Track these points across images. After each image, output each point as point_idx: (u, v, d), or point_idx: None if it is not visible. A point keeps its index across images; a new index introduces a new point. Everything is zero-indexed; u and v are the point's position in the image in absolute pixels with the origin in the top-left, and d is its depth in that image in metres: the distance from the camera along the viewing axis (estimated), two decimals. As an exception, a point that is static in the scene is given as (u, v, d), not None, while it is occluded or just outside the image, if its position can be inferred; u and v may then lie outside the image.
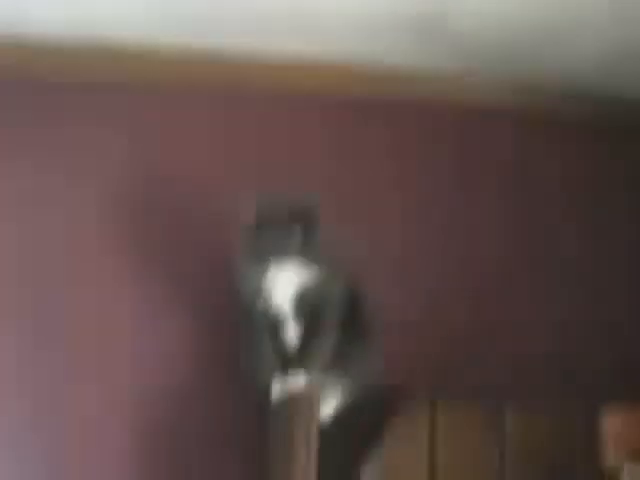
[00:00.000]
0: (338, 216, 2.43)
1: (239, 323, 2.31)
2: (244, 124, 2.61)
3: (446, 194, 2.67)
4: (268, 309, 2.23)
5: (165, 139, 2.57)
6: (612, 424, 2.29)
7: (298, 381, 2.20)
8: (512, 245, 2.68)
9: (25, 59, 2.50)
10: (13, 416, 2.38)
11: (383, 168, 2.65)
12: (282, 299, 2.22)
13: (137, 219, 2.50)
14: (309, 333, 2.23)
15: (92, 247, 2.47)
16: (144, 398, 2.42)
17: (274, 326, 2.24)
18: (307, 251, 2.21)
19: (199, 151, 2.57)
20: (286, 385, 2.20)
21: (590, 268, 2.71)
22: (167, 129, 2.57)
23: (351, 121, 2.65)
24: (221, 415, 2.43)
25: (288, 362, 2.23)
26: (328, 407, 2.25)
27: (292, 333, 2.24)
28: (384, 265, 2.56)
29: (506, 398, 2.43)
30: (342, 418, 2.25)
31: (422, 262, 2.62)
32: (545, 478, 2.33)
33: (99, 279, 2.47)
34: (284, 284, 2.22)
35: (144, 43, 2.51)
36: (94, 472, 2.39)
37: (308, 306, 2.22)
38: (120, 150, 2.53)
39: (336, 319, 2.25)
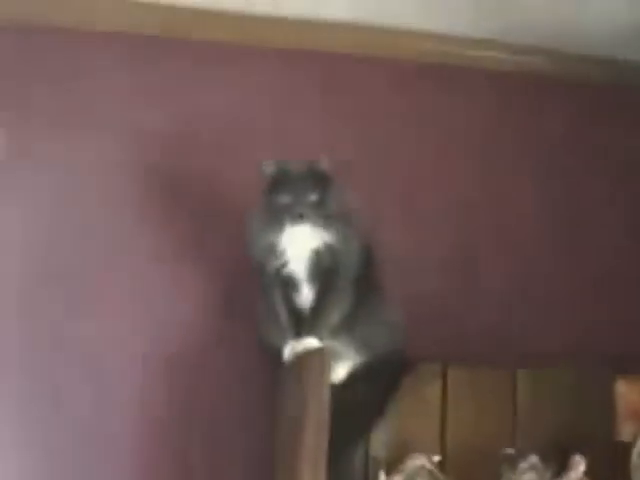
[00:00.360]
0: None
1: (254, 285, 2.29)
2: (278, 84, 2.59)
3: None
4: (281, 270, 2.21)
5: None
6: (627, 394, 2.29)
7: (310, 343, 2.18)
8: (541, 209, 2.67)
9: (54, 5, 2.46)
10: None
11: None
12: (296, 260, 2.20)
13: (162, 185, 2.48)
14: (323, 295, 2.20)
15: (115, 211, 2.46)
16: (161, 355, 2.41)
17: (287, 287, 2.22)
18: (322, 212, 2.18)
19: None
20: (298, 347, 2.18)
21: (607, 232, 2.69)
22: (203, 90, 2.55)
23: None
24: (234, 376, 2.42)
25: (301, 324, 2.21)
26: (341, 369, 2.24)
27: (305, 295, 2.22)
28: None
29: (520, 366, 2.43)
30: (355, 379, 2.24)
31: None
32: (555, 445, 2.33)
33: (116, 244, 2.45)
34: (298, 244, 2.20)
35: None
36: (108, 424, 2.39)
37: (322, 268, 2.20)
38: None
39: (351, 282, 2.22)
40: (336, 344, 2.21)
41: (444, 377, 2.37)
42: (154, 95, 2.51)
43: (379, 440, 2.29)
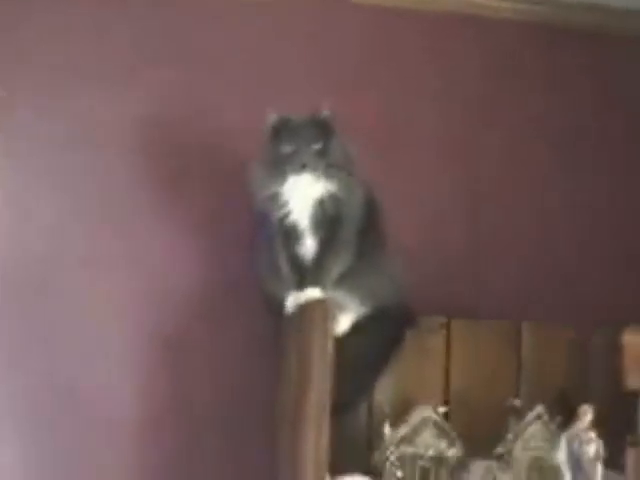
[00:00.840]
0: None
1: (256, 237, 2.28)
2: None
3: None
4: (284, 220, 2.19)
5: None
6: (634, 344, 2.26)
7: (313, 294, 2.16)
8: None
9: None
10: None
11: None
12: (299, 209, 2.18)
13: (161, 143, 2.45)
14: (325, 246, 2.18)
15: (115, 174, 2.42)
16: (165, 313, 2.39)
17: (290, 238, 2.19)
18: (325, 161, 2.16)
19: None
20: (301, 297, 2.17)
21: (608, 188, 2.67)
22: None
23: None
24: (236, 328, 2.40)
25: (303, 275, 2.19)
26: (344, 320, 2.22)
27: (308, 245, 2.20)
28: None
29: (523, 318, 2.43)
30: (358, 331, 2.23)
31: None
32: (561, 396, 2.34)
33: (115, 218, 2.41)
34: (301, 194, 2.17)
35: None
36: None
37: (326, 217, 2.18)
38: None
39: (354, 233, 2.21)
40: (339, 295, 2.20)
41: (447, 329, 2.36)
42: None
43: (383, 392, 2.29)
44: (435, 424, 2.24)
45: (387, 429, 2.23)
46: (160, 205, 2.42)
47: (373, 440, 2.27)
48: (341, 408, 2.15)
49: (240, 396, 2.38)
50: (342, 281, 2.20)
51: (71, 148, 2.39)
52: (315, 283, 2.17)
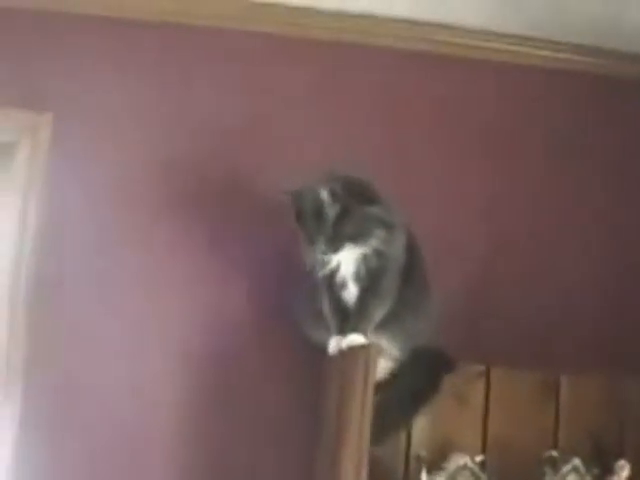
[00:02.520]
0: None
1: (295, 276, 2.32)
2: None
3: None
4: (330, 276, 2.22)
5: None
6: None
7: (356, 340, 2.19)
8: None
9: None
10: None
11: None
12: (343, 268, 2.22)
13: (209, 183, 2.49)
14: (368, 293, 2.21)
15: (143, 212, 2.46)
16: (202, 354, 2.42)
17: (334, 286, 2.23)
18: (348, 231, 2.17)
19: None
20: (343, 343, 2.20)
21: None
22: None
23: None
24: (276, 375, 2.42)
25: (346, 320, 2.22)
26: (384, 365, 2.24)
27: (351, 292, 2.23)
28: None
29: (562, 367, 2.44)
30: (396, 374, 2.26)
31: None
32: (598, 449, 2.34)
33: (152, 245, 2.46)
34: (342, 259, 2.21)
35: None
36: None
37: (369, 271, 2.21)
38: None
39: (396, 279, 2.23)
40: (379, 340, 2.23)
41: (487, 378, 2.37)
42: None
43: (421, 438, 2.31)
44: (472, 473, 2.25)
45: (424, 475, 2.24)
46: (216, 240, 2.46)
47: (410, 486, 2.29)
48: (371, 442, 2.16)
49: (279, 414, 2.41)
50: (383, 326, 2.23)
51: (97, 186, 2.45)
52: (357, 329, 2.20)
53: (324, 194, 2.17)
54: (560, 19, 2.54)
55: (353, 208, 2.18)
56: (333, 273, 2.22)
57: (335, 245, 2.17)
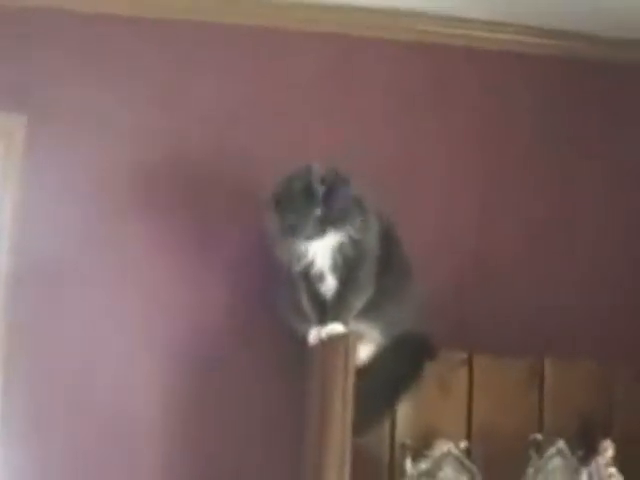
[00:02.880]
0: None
1: (276, 274, 2.31)
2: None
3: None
4: (306, 269, 2.22)
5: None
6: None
7: (335, 329, 2.20)
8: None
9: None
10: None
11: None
12: (319, 259, 2.21)
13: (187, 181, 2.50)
14: (346, 283, 2.22)
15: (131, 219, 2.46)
16: (184, 344, 2.43)
17: (311, 279, 2.23)
18: (332, 216, 2.18)
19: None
20: (323, 333, 2.20)
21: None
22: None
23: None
24: (259, 376, 2.42)
25: (324, 310, 2.22)
26: (364, 351, 2.25)
27: (329, 285, 2.23)
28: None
29: (546, 353, 2.44)
30: (378, 361, 2.26)
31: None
32: (583, 431, 2.35)
33: (132, 245, 2.46)
34: (318, 250, 2.21)
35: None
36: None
37: (345, 261, 2.21)
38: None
39: (373, 267, 2.23)
40: (360, 327, 2.23)
41: (469, 365, 2.38)
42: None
43: (405, 426, 2.31)
44: (456, 459, 2.26)
45: (409, 463, 2.25)
46: (199, 240, 2.47)
47: (395, 473, 2.30)
48: (357, 431, 2.17)
49: (266, 414, 2.42)
50: (363, 313, 2.24)
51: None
52: (337, 318, 2.21)
53: (315, 171, 2.17)
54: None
55: (337, 188, 2.18)
56: (309, 267, 2.22)
57: (322, 227, 2.16)
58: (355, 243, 2.20)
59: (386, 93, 2.60)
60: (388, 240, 2.26)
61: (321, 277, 2.23)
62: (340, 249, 2.20)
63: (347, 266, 2.21)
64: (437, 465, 2.25)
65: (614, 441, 2.26)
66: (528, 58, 2.64)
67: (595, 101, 2.67)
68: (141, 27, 2.50)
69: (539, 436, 2.28)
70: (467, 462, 2.27)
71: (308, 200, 2.17)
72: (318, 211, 2.17)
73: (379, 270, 2.23)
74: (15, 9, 2.44)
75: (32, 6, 2.44)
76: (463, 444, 2.28)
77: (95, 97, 2.47)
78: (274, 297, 2.33)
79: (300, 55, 2.57)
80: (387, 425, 2.32)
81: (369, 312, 2.23)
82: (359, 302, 2.22)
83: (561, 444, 2.27)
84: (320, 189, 2.17)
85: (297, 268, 2.22)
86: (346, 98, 2.58)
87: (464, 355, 2.38)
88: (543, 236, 2.61)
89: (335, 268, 2.21)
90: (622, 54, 2.65)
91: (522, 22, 2.61)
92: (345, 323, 2.21)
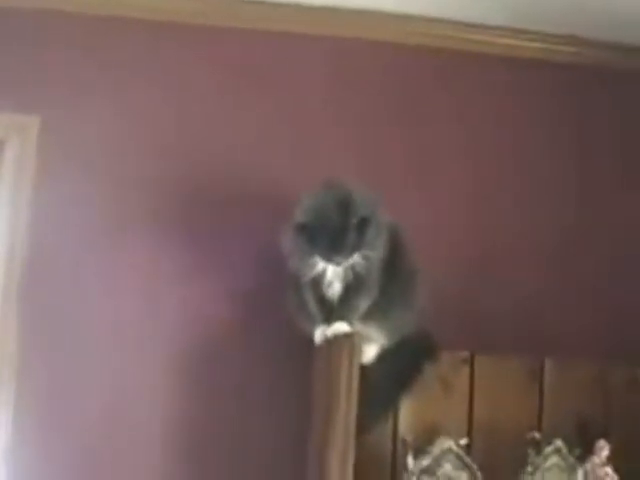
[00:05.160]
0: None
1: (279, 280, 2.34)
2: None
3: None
4: (316, 278, 2.25)
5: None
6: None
7: (341, 328, 2.23)
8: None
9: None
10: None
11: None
12: (330, 273, 2.24)
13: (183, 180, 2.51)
14: (352, 285, 2.24)
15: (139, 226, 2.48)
16: (191, 339, 2.44)
17: (319, 285, 2.25)
18: (363, 246, 2.19)
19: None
20: (328, 332, 2.23)
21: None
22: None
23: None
24: (263, 367, 2.44)
25: (330, 310, 2.25)
26: (370, 351, 2.28)
27: (335, 290, 2.25)
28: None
29: (546, 353, 2.46)
30: (380, 358, 2.29)
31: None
32: (580, 431, 2.38)
33: (136, 244, 2.48)
34: (333, 271, 2.23)
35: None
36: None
37: (355, 271, 2.23)
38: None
39: (378, 273, 2.25)
40: (366, 328, 2.26)
41: (471, 364, 2.41)
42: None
43: (407, 423, 2.34)
44: (456, 456, 2.29)
45: (410, 460, 2.28)
46: (199, 237, 2.49)
47: (397, 470, 2.33)
48: (361, 428, 2.21)
49: (270, 410, 2.44)
50: (369, 315, 2.26)
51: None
52: (342, 317, 2.23)
53: (353, 199, 2.18)
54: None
55: (371, 218, 2.20)
56: (320, 279, 2.24)
57: (351, 254, 2.19)
58: (366, 258, 2.23)
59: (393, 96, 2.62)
60: (395, 245, 2.28)
61: (329, 285, 2.25)
62: (354, 267, 2.23)
63: (355, 275, 2.23)
64: (437, 461, 2.28)
65: (611, 441, 2.28)
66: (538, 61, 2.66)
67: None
68: (158, 31, 2.52)
69: (537, 434, 2.31)
70: (467, 459, 2.30)
71: (343, 232, 2.18)
72: (351, 239, 2.19)
73: (385, 274, 2.25)
74: (30, 11, 2.46)
75: (47, 8, 2.46)
76: (463, 441, 2.31)
77: (109, 99, 2.49)
78: (284, 294, 2.34)
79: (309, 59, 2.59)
80: (390, 422, 2.34)
81: (376, 315, 2.26)
82: (364, 303, 2.25)
83: (559, 443, 2.30)
84: (356, 219, 2.19)
85: (307, 278, 2.25)
86: (354, 103, 2.59)
87: (466, 354, 2.40)
88: (545, 236, 2.61)
89: (344, 278, 2.24)
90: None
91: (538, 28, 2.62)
92: (350, 323, 2.23)
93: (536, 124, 2.66)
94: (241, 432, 2.42)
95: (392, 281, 2.28)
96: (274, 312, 2.37)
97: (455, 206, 2.60)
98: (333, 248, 2.18)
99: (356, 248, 2.19)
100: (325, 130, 2.56)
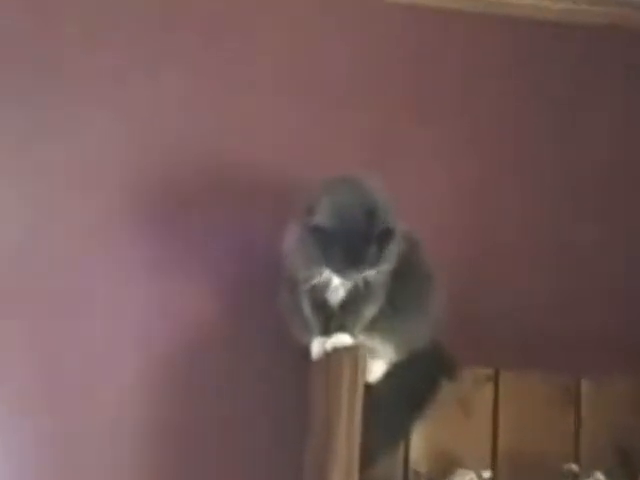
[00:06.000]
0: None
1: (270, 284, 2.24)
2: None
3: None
4: (319, 285, 2.10)
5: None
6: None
7: (342, 341, 2.07)
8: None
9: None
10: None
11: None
12: (336, 282, 2.09)
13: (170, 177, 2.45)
14: (355, 291, 2.08)
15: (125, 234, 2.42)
16: (182, 349, 2.37)
17: (319, 288, 2.10)
18: (379, 261, 2.05)
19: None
20: (328, 344, 2.08)
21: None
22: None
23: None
24: (248, 377, 2.35)
25: (330, 319, 2.10)
26: (377, 368, 2.14)
27: (338, 295, 2.10)
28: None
29: (580, 370, 2.33)
30: (390, 376, 2.16)
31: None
32: (623, 462, 2.24)
33: (116, 239, 2.42)
34: (338, 282, 2.09)
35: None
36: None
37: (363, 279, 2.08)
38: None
39: (385, 279, 2.10)
40: (371, 340, 2.12)
41: (495, 384, 2.27)
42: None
43: (421, 451, 2.22)
44: (478, 491, 2.16)
45: (423, 494, 2.16)
46: (181, 234, 2.42)
47: (408, 505, 2.22)
48: (367, 460, 2.07)
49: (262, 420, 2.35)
50: (375, 325, 2.12)
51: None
52: (343, 328, 2.09)
53: (377, 213, 2.04)
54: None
55: (391, 234, 2.06)
56: (325, 287, 2.10)
57: (366, 268, 2.05)
58: (381, 272, 2.09)
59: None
60: (407, 252, 2.13)
61: (334, 291, 2.11)
62: (365, 278, 2.08)
63: (365, 283, 2.09)
64: (455, 497, 2.16)
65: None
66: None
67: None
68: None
69: (575, 466, 2.18)
70: (491, 495, 2.16)
71: (364, 245, 2.03)
72: (370, 255, 2.04)
73: (394, 283, 2.11)
74: None
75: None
76: (487, 474, 2.16)
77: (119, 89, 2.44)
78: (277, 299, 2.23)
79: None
80: (400, 450, 2.21)
81: (382, 326, 2.12)
82: (368, 312, 2.09)
83: (599, 475, 2.16)
84: (378, 229, 2.04)
85: (308, 285, 2.10)
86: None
87: (489, 371, 2.26)
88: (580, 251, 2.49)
89: (352, 288, 2.10)
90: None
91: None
92: (352, 334, 2.08)
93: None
94: (229, 437, 2.34)
95: (402, 287, 2.13)
96: (264, 312, 2.29)
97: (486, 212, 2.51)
98: (349, 263, 2.05)
99: (374, 265, 2.05)
100: (312, 119, 2.46)
